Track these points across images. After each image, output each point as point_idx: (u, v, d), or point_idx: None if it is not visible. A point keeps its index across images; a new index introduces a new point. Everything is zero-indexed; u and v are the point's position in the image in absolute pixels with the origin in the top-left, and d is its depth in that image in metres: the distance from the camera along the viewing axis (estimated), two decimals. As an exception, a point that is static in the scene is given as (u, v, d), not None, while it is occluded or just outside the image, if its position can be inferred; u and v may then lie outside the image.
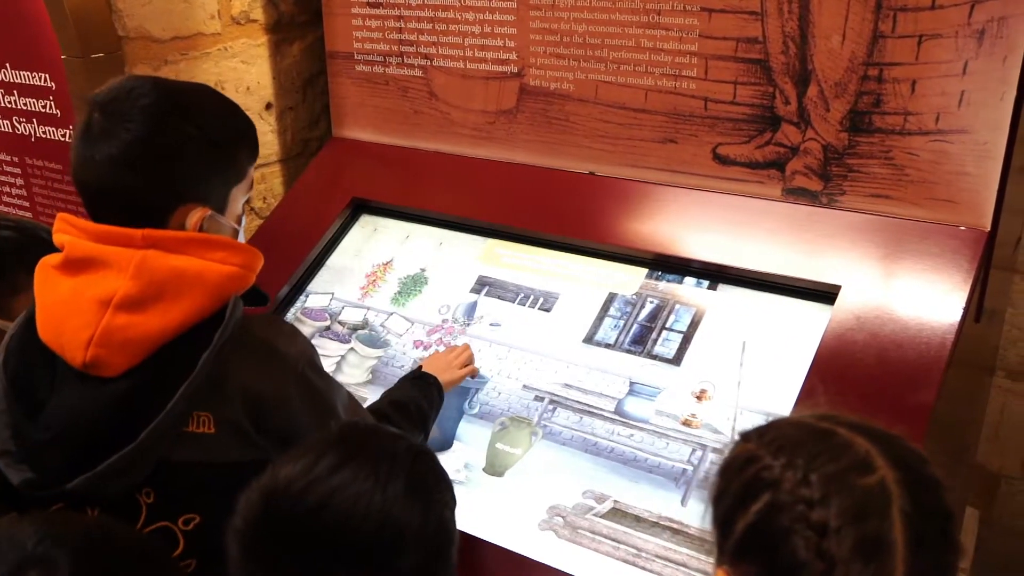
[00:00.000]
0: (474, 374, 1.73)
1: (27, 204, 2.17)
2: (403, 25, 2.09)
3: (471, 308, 1.87)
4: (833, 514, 0.80)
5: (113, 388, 1.16)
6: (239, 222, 1.33)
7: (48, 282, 1.22)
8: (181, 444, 1.17)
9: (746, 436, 0.93)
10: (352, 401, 1.38)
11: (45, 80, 1.98)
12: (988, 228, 1.55)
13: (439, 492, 1.05)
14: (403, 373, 1.80)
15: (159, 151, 1.20)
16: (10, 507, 1.22)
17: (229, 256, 1.22)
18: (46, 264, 1.24)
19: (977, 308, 1.57)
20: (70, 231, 1.22)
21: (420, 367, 1.65)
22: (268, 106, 2.35)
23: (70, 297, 1.19)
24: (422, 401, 1.54)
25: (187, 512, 1.19)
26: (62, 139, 2.02)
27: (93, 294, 1.17)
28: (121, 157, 1.18)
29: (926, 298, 1.50)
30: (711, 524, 0.92)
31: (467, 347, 1.75)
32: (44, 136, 2.05)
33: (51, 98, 1.99)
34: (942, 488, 0.86)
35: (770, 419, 0.96)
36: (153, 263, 1.17)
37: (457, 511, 1.09)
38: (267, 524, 0.98)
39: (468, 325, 1.84)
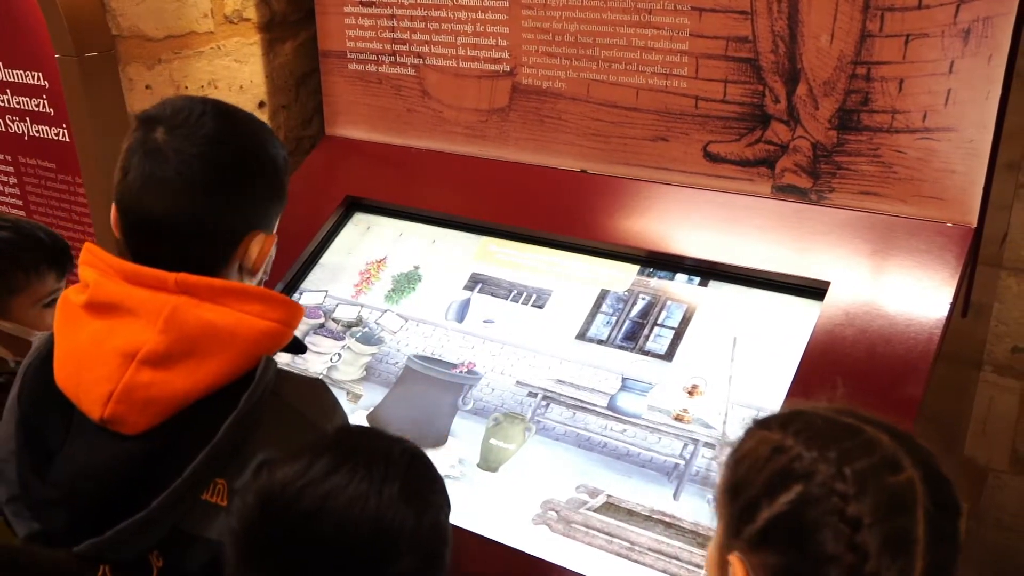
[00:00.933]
0: None
1: (20, 203, 2.18)
2: (396, 24, 2.10)
3: (464, 305, 1.88)
4: (867, 510, 0.81)
5: (129, 447, 1.06)
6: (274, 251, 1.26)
7: (70, 322, 1.12)
8: (194, 513, 1.07)
9: (765, 424, 0.91)
10: None
11: (38, 79, 1.98)
12: (974, 224, 1.57)
13: (434, 495, 1.04)
14: (397, 371, 1.82)
15: (240, 173, 1.12)
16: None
17: (267, 310, 1.11)
18: (69, 300, 1.13)
19: (964, 303, 1.59)
20: (98, 264, 1.12)
21: None
22: (261, 104, 2.36)
23: (91, 345, 1.08)
24: None
25: None
26: (55, 138, 2.02)
27: (117, 345, 1.07)
28: (201, 177, 1.09)
29: (914, 294, 1.52)
30: (723, 509, 0.91)
31: None
32: (37, 135, 2.06)
33: (44, 97, 1.99)
34: (953, 486, 0.87)
35: (761, 412, 0.97)
36: (185, 315, 1.07)
37: (452, 506, 1.09)
38: (263, 527, 0.96)
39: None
